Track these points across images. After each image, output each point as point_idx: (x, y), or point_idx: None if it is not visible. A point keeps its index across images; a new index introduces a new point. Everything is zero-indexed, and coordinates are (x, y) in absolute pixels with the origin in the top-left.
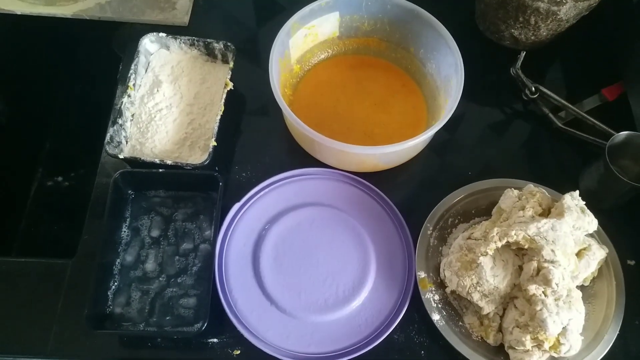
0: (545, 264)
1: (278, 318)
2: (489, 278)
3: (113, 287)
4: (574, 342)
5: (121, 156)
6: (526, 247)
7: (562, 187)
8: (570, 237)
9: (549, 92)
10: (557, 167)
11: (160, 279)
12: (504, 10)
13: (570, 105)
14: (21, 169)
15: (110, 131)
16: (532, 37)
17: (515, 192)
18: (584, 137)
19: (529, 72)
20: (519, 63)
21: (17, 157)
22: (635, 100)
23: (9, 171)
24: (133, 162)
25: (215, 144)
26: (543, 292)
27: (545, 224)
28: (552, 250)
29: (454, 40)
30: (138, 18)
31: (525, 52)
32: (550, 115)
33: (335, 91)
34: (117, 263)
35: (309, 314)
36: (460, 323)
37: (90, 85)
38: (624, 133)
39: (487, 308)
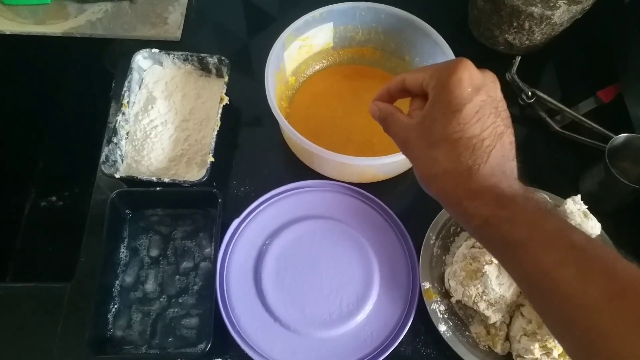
0: None
1: (282, 335)
2: (494, 287)
3: (113, 309)
4: None
5: (117, 175)
6: None
7: (562, 191)
8: None
9: (545, 97)
10: (556, 171)
11: (161, 299)
12: (498, 16)
13: (567, 109)
14: (14, 189)
15: (106, 150)
16: (527, 42)
17: None
18: (582, 140)
19: (524, 77)
20: (515, 68)
21: (9, 177)
22: (631, 102)
23: (2, 192)
24: (129, 181)
25: (213, 159)
26: None
27: None
28: None
29: (449, 48)
30: (129, 34)
31: (520, 57)
32: (548, 119)
33: (332, 102)
34: (116, 285)
35: (314, 329)
36: (467, 333)
37: (82, 102)
38: (623, 135)
39: (494, 317)
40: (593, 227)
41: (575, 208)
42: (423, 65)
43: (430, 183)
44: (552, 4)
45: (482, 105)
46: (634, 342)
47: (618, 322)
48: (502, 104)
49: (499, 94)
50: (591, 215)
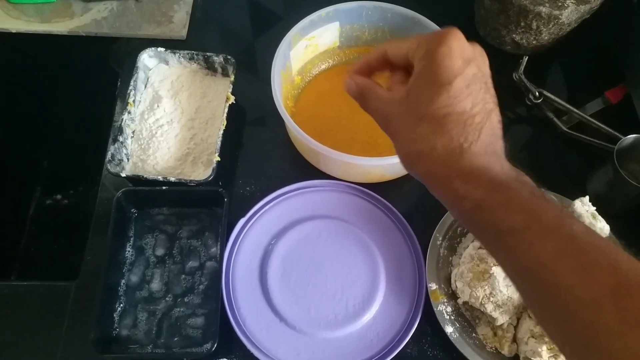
0: None
1: (288, 335)
2: (502, 288)
3: (119, 308)
4: None
5: (123, 174)
6: None
7: (569, 192)
8: None
9: (553, 97)
10: (563, 172)
11: (167, 298)
12: (505, 16)
13: (574, 109)
14: (19, 187)
15: (111, 149)
16: (534, 42)
17: None
18: (590, 140)
19: (531, 76)
20: (522, 68)
21: (15, 175)
22: None
23: (7, 190)
24: (135, 180)
25: (219, 159)
26: None
27: None
28: None
29: None
30: (135, 33)
31: (527, 57)
32: (555, 119)
33: (338, 101)
34: (122, 284)
35: (319, 329)
36: (474, 334)
37: (87, 101)
38: (632, 136)
39: (501, 319)
40: (602, 228)
41: (584, 209)
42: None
43: (416, 162)
44: (560, 4)
45: (473, 78)
46: (636, 340)
47: (621, 319)
48: (490, 81)
49: (488, 69)
50: (600, 217)
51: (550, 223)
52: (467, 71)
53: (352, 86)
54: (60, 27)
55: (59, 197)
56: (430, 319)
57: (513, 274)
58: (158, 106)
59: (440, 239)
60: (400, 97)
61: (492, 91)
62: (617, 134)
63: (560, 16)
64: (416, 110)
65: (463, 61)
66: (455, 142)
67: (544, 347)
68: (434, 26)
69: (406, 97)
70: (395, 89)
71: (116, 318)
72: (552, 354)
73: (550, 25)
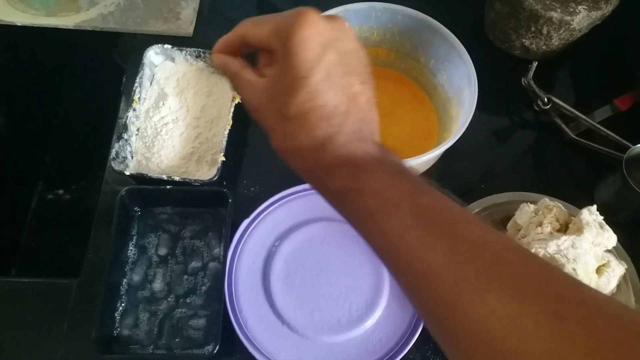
0: None
1: (290, 338)
2: None
3: (120, 308)
4: None
5: (127, 172)
6: None
7: (576, 200)
8: (590, 254)
9: (562, 103)
10: (569, 179)
11: (169, 299)
12: (516, 20)
13: (583, 117)
14: (22, 182)
15: (116, 147)
16: (544, 47)
17: (532, 207)
18: (598, 148)
19: (539, 82)
20: (531, 73)
21: (17, 169)
22: None
23: (9, 184)
24: (139, 178)
25: (224, 159)
26: None
27: (565, 241)
28: (574, 269)
29: (466, 52)
30: (141, 29)
31: (536, 62)
32: (564, 126)
33: None
34: (123, 283)
35: (322, 334)
36: None
37: (91, 96)
38: None
39: None
40: (609, 238)
41: (591, 218)
42: (267, 16)
43: (287, 159)
44: (571, 10)
45: (333, 65)
46: (473, 311)
47: (458, 289)
48: (357, 55)
49: (351, 44)
50: (607, 227)
51: (398, 200)
52: (326, 59)
53: (223, 64)
54: (66, 21)
55: (61, 192)
56: None
57: (379, 257)
58: (163, 104)
59: None
60: (267, 86)
61: (360, 67)
62: (626, 143)
63: (571, 22)
64: (281, 106)
65: (320, 48)
66: (318, 139)
67: None
68: (443, 29)
69: (271, 88)
70: (264, 72)
71: (117, 318)
72: None
73: (561, 31)
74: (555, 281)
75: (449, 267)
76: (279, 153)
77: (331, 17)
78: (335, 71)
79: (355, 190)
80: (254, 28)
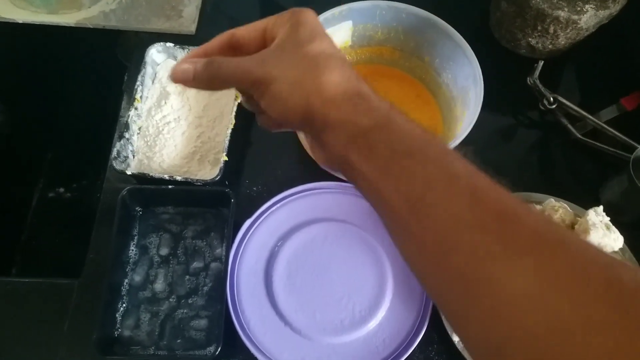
0: None
1: (293, 339)
2: None
3: (121, 308)
4: None
5: (128, 172)
6: None
7: (581, 200)
8: None
9: (567, 103)
10: (575, 180)
11: (170, 299)
12: (522, 19)
13: (589, 116)
14: (23, 179)
15: (117, 146)
16: (550, 46)
17: (538, 207)
18: (604, 148)
19: (544, 81)
20: (537, 73)
21: (18, 167)
22: None
23: (10, 182)
24: (141, 178)
25: (227, 158)
26: None
27: None
28: None
29: (472, 51)
30: (143, 26)
31: (542, 62)
32: (569, 126)
33: None
34: (125, 283)
35: (325, 335)
36: None
37: (93, 94)
38: None
39: None
40: (616, 239)
41: (598, 219)
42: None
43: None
44: (579, 9)
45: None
46: (522, 267)
47: (420, 227)
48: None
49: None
50: (613, 228)
51: (375, 144)
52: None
53: (190, 70)
54: (67, 18)
55: (62, 190)
56: (437, 327)
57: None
58: (165, 103)
59: None
60: (273, 47)
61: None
62: (633, 143)
63: (578, 21)
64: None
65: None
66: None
67: None
68: (449, 28)
69: (280, 45)
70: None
71: (118, 318)
72: None
73: (568, 30)
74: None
75: (497, 221)
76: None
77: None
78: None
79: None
80: (246, 26)
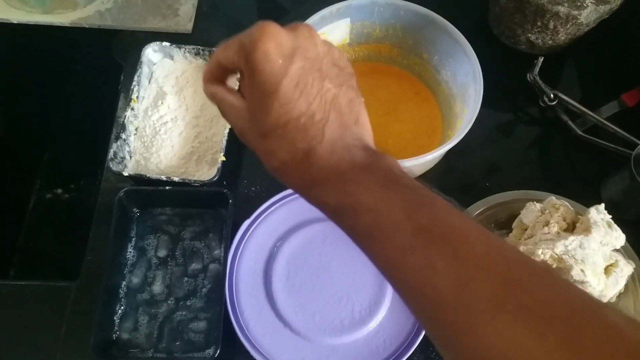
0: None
1: (292, 341)
2: None
3: (119, 311)
4: None
5: (125, 173)
6: (554, 266)
7: (582, 198)
8: (599, 254)
9: (568, 99)
10: (576, 177)
11: (169, 301)
12: (521, 15)
13: (589, 112)
14: (19, 180)
15: (114, 147)
16: (550, 42)
17: (538, 205)
18: (605, 145)
19: (544, 77)
20: (537, 69)
21: (15, 168)
22: None
23: (7, 183)
24: (138, 179)
25: (224, 159)
26: None
27: (572, 241)
28: (582, 270)
29: (471, 48)
30: (139, 25)
31: (542, 58)
32: (570, 122)
33: None
34: (123, 285)
35: (324, 336)
36: None
37: (89, 94)
38: None
39: None
40: (617, 237)
41: (599, 217)
42: (234, 37)
43: (279, 177)
44: (579, 4)
45: (301, 73)
46: (484, 333)
47: (468, 315)
48: (327, 60)
49: (319, 49)
50: (615, 226)
51: (397, 216)
52: (291, 69)
53: (209, 96)
54: (62, 18)
55: (59, 191)
56: None
57: (385, 278)
58: (162, 103)
59: None
60: (246, 108)
61: (334, 71)
62: (634, 139)
63: (578, 16)
64: (260, 125)
65: (284, 59)
66: (299, 152)
67: None
68: (447, 24)
69: (248, 109)
70: (245, 94)
71: (116, 321)
72: None
73: (568, 26)
74: (565, 301)
75: (457, 292)
76: (271, 172)
77: (293, 26)
78: (305, 80)
79: (348, 205)
80: (224, 52)
